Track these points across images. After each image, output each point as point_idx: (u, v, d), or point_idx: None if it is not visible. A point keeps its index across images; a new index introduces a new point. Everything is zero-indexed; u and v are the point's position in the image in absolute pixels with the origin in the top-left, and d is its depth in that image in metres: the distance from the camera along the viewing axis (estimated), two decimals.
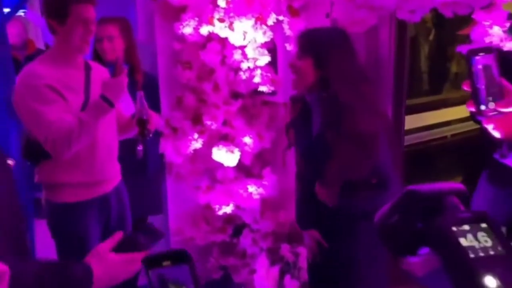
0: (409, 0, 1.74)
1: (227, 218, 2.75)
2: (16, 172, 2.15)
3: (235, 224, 2.76)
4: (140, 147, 2.04)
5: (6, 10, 2.66)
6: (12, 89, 1.86)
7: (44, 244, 2.16)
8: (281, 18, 2.26)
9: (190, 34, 2.47)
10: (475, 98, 0.86)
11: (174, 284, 0.67)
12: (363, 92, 1.70)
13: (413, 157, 3.23)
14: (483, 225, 0.56)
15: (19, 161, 2.24)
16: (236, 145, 2.55)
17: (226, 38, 2.42)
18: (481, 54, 0.84)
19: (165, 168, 2.73)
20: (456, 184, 0.65)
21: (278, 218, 2.68)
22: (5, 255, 0.96)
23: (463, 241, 0.54)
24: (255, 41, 2.35)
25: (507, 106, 0.84)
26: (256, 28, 2.29)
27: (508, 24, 1.50)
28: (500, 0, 1.49)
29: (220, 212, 2.65)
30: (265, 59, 2.39)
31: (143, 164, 2.46)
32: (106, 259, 1.02)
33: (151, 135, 1.99)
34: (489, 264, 0.52)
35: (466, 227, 0.55)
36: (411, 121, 3.26)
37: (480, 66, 0.85)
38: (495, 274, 0.51)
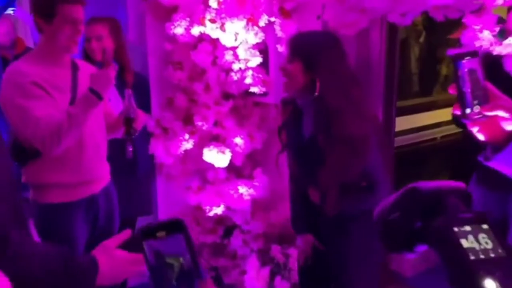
0: (401, 3, 1.75)
1: (218, 219, 2.74)
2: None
3: (225, 225, 2.76)
4: (129, 147, 2.03)
5: None
6: None
7: None
8: (272, 19, 2.26)
9: (181, 35, 2.46)
10: (460, 101, 0.87)
11: (170, 256, 0.66)
12: (352, 96, 1.70)
13: (404, 159, 3.25)
14: (484, 226, 0.56)
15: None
16: (227, 146, 2.55)
17: (217, 39, 2.41)
18: (466, 58, 0.85)
19: (155, 169, 2.72)
20: (457, 183, 0.65)
21: (269, 219, 2.68)
22: (9, 223, 0.98)
23: (464, 243, 0.54)
24: (247, 42, 2.35)
25: (491, 109, 0.86)
26: (248, 29, 2.28)
27: (497, 28, 1.51)
28: (490, 4, 1.50)
29: (211, 213, 2.65)
30: (256, 60, 2.39)
31: (133, 165, 2.44)
32: (112, 255, 1.01)
33: (137, 134, 1.98)
34: (489, 267, 0.52)
35: (467, 228, 0.55)
36: (402, 123, 3.28)
37: (466, 70, 0.85)
38: (495, 277, 0.51)
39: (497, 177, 0.94)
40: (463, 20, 1.59)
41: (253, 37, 2.30)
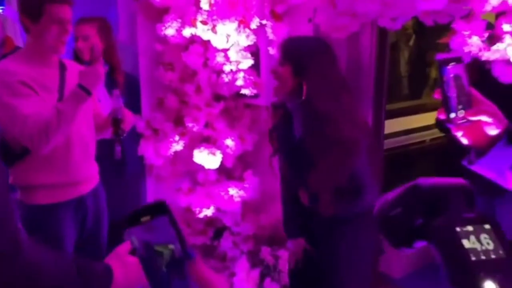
0: (391, 8, 1.76)
1: (208, 220, 2.74)
2: None
3: (215, 227, 2.76)
4: (118, 148, 2.02)
5: None
6: None
7: None
8: (264, 22, 2.26)
9: (172, 36, 2.46)
10: (445, 106, 0.88)
11: (159, 245, 0.66)
12: (341, 101, 1.72)
13: (393, 161, 3.28)
14: (487, 226, 0.56)
15: None
16: (218, 148, 2.54)
17: (208, 41, 2.41)
18: (451, 64, 0.87)
19: (144, 170, 2.71)
20: (460, 181, 0.66)
21: (259, 221, 2.69)
22: (18, 232, 0.94)
23: (466, 243, 0.54)
24: (238, 44, 2.35)
25: (475, 114, 0.87)
26: (239, 31, 2.29)
27: (486, 34, 1.53)
28: (479, 10, 1.52)
29: (201, 215, 2.64)
30: (248, 62, 2.39)
31: (121, 165, 2.43)
32: (125, 262, 0.98)
33: (125, 135, 1.98)
34: (490, 269, 0.52)
35: (469, 228, 0.55)
36: (391, 126, 3.30)
37: (451, 76, 0.87)
38: (495, 279, 0.51)
39: (482, 181, 0.95)
40: (453, 26, 1.61)
41: (245, 39, 2.30)
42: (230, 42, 2.35)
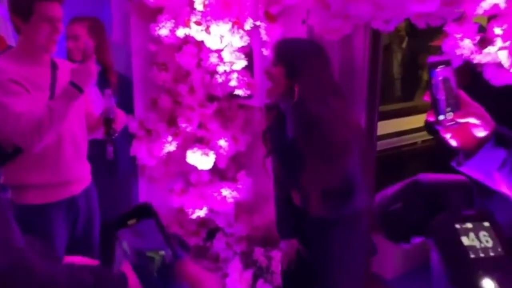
0: (384, 10, 1.77)
1: (201, 221, 2.73)
2: None
3: (208, 228, 2.75)
4: (110, 148, 2.02)
5: None
6: None
7: None
8: (258, 23, 2.27)
9: (166, 36, 2.45)
10: (434, 108, 0.90)
11: (151, 251, 0.66)
12: (332, 104, 1.73)
13: (385, 162, 3.29)
14: (486, 224, 0.57)
15: None
16: (211, 148, 2.54)
17: (202, 41, 2.41)
18: (440, 67, 0.89)
19: (136, 170, 2.70)
20: (460, 177, 0.66)
21: (253, 222, 2.69)
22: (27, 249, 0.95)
23: (465, 240, 0.55)
24: (232, 45, 2.35)
25: (464, 116, 0.89)
26: (233, 32, 2.29)
27: (478, 37, 1.55)
28: (471, 13, 1.53)
29: (194, 216, 2.64)
30: (241, 63, 2.39)
31: (113, 166, 2.42)
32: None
33: (117, 135, 1.97)
34: (488, 266, 0.52)
35: (469, 225, 0.56)
36: (384, 127, 3.32)
37: (440, 78, 0.89)
38: (493, 277, 0.51)
39: (472, 179, 0.96)
40: (445, 28, 1.62)
41: (238, 40, 2.30)
42: (223, 43, 2.35)
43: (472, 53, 1.54)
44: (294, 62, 1.75)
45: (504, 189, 0.91)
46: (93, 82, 1.83)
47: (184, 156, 2.55)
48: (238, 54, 2.37)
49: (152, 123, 2.62)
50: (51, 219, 1.87)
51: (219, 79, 2.46)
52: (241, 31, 2.29)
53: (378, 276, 3.08)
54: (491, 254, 0.54)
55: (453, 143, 0.92)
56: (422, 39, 3.75)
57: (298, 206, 1.89)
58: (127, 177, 2.66)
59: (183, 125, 2.54)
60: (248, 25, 2.27)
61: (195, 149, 2.52)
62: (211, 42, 2.36)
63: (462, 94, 0.91)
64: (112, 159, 2.12)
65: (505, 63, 1.45)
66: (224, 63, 2.42)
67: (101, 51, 2.33)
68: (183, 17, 2.38)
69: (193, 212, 2.64)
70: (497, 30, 1.49)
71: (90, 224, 2.02)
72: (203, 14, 2.32)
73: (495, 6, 1.47)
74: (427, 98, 0.91)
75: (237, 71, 2.42)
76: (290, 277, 2.08)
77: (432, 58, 0.91)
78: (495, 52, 1.49)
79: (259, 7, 2.23)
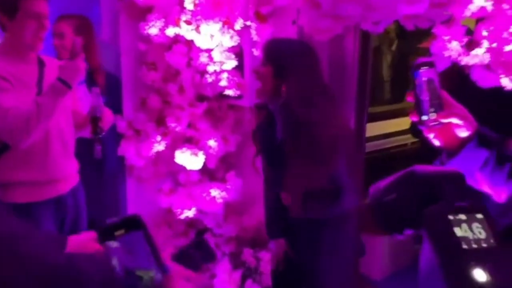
0: (373, 11, 1.78)
1: (189, 222, 2.72)
2: None
3: (197, 228, 2.74)
4: (98, 147, 2.00)
5: None
6: None
7: None
8: (248, 23, 2.26)
9: (155, 35, 2.44)
10: (418, 109, 0.91)
11: (141, 271, 0.65)
12: (320, 105, 1.73)
13: (374, 164, 3.31)
14: (479, 215, 0.56)
15: None
16: (201, 148, 2.53)
17: (192, 41, 2.40)
18: (424, 68, 0.90)
19: (123, 169, 2.68)
20: (455, 170, 0.66)
21: (242, 223, 2.68)
22: None
23: (457, 231, 0.54)
24: (222, 44, 2.35)
25: (446, 117, 0.90)
26: (223, 32, 2.28)
27: (466, 39, 1.56)
28: (458, 15, 1.55)
29: (182, 216, 2.63)
30: (231, 63, 2.39)
31: (101, 165, 2.41)
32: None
33: (104, 133, 1.96)
34: (480, 257, 0.52)
35: (462, 216, 0.56)
36: (373, 129, 3.33)
37: (423, 79, 0.90)
38: (485, 268, 0.51)
39: None
40: (433, 30, 1.63)
41: (229, 40, 2.30)
42: (214, 42, 2.34)
43: (459, 55, 1.55)
44: (282, 61, 1.75)
45: (485, 188, 0.92)
46: (81, 79, 1.82)
47: (173, 156, 2.53)
48: (228, 54, 2.37)
49: (141, 123, 2.60)
50: (38, 218, 1.85)
51: (209, 79, 2.45)
52: (231, 31, 2.28)
53: (366, 277, 3.09)
54: (484, 245, 0.54)
55: (436, 143, 0.94)
56: (412, 41, 3.78)
57: (287, 206, 1.89)
58: (115, 177, 2.64)
59: (172, 125, 2.53)
60: (238, 25, 2.27)
61: (184, 149, 2.51)
62: (201, 41, 2.35)
63: (445, 95, 0.92)
64: (100, 158, 2.11)
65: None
66: (214, 62, 2.42)
67: (89, 49, 2.32)
68: (173, 16, 2.37)
69: (181, 213, 2.62)
70: (484, 33, 1.50)
71: (77, 225, 2.00)
72: (193, 13, 2.31)
73: (483, 8, 1.49)
74: (410, 99, 0.93)
75: (227, 71, 2.41)
76: (279, 278, 2.08)
77: (421, 60, 0.92)
78: (482, 54, 1.50)
79: (249, 7, 2.23)
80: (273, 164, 1.94)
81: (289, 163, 1.78)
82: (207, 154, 2.54)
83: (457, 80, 1.72)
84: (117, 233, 0.66)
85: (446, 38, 1.56)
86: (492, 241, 0.54)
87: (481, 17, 1.56)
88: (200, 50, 2.42)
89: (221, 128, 2.62)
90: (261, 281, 2.45)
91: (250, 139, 2.07)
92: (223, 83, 2.42)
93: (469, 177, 0.89)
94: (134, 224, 0.67)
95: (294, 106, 1.72)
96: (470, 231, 0.55)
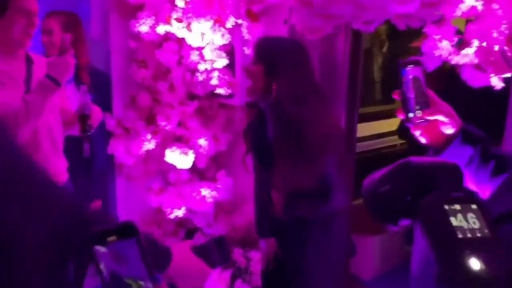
0: (364, 11, 1.78)
1: (179, 221, 2.70)
2: None
3: (187, 228, 2.72)
4: (87, 145, 1.98)
5: None
6: None
7: None
8: (239, 21, 2.25)
9: (146, 33, 2.42)
10: (404, 106, 0.94)
11: (129, 279, 0.63)
12: (310, 105, 1.73)
13: (364, 164, 3.32)
14: (474, 206, 0.57)
15: None
16: (191, 147, 2.51)
17: (183, 39, 2.39)
18: (410, 66, 0.92)
19: (112, 168, 2.66)
20: (451, 162, 0.67)
21: (232, 222, 2.67)
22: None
23: (453, 220, 0.55)
24: (213, 43, 2.34)
25: (432, 114, 0.93)
26: (215, 30, 2.27)
27: (456, 39, 1.57)
28: (449, 15, 1.55)
29: (172, 216, 2.61)
30: (222, 62, 2.38)
31: (90, 163, 2.38)
32: (185, 255, 1.01)
33: (92, 131, 1.94)
34: (475, 246, 0.53)
35: (457, 206, 0.56)
36: (364, 129, 3.34)
37: (410, 77, 0.93)
38: (480, 257, 0.52)
39: None
40: (424, 30, 1.64)
41: (220, 38, 2.29)
42: (205, 40, 2.33)
43: (450, 54, 1.56)
44: (273, 60, 1.74)
45: (470, 185, 0.94)
46: (70, 75, 1.80)
47: (163, 155, 2.51)
48: (219, 52, 2.36)
49: (131, 121, 2.57)
50: None
51: (200, 77, 2.43)
52: (222, 29, 2.27)
53: (357, 277, 3.10)
54: (478, 235, 0.54)
55: (423, 140, 0.97)
56: (403, 43, 3.79)
57: (276, 205, 1.88)
58: (104, 175, 2.61)
59: (163, 123, 2.51)
60: (229, 23, 2.26)
61: (174, 148, 2.49)
62: (192, 39, 2.33)
63: (431, 93, 0.94)
64: (88, 156, 2.08)
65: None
66: (205, 61, 2.40)
67: (78, 46, 2.29)
68: (164, 14, 2.36)
69: (171, 212, 2.60)
70: (475, 32, 1.51)
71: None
72: (184, 11, 2.30)
73: (473, 8, 1.49)
74: (396, 97, 0.95)
75: (218, 70, 2.40)
76: (268, 277, 2.07)
77: (412, 58, 0.95)
78: (473, 54, 1.51)
79: (241, 5, 2.22)
80: (263, 163, 1.94)
81: (279, 162, 1.77)
82: (197, 153, 2.52)
83: (447, 81, 1.73)
84: (110, 239, 0.64)
85: (437, 37, 1.56)
86: (486, 231, 0.55)
87: (471, 17, 1.57)
88: (191, 48, 2.41)
89: (211, 127, 2.60)
90: (251, 281, 2.44)
91: (241, 138, 2.06)
92: (214, 81, 2.41)
93: None
94: (127, 231, 0.65)
95: (285, 105, 1.72)
96: (465, 221, 0.55)
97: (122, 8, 2.52)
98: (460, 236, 0.53)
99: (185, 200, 2.60)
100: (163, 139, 2.55)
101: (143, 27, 2.40)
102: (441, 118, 0.93)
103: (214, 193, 2.57)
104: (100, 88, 2.43)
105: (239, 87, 2.42)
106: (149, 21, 2.39)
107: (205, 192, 2.56)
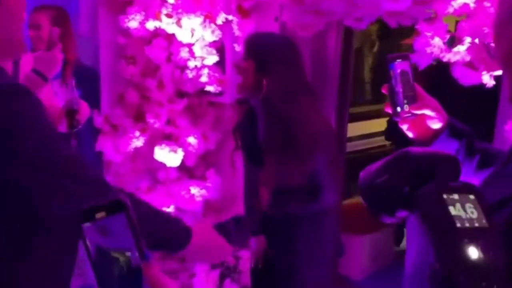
0: (356, 7, 1.78)
1: None
2: None
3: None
4: (74, 141, 1.95)
5: None
6: None
7: None
8: (230, 17, 2.23)
9: (135, 29, 2.39)
10: (392, 100, 0.95)
11: (116, 251, 0.61)
12: (301, 102, 1.72)
13: (353, 164, 3.32)
14: (471, 196, 0.57)
15: None
16: (180, 145, 2.48)
17: (173, 35, 2.36)
18: (398, 60, 0.94)
19: (102, 165, 2.62)
20: (448, 153, 0.67)
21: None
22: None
23: (451, 210, 0.55)
24: (203, 39, 2.31)
25: (419, 108, 0.95)
26: (205, 26, 2.25)
27: (448, 36, 1.57)
28: (441, 12, 1.55)
29: None
30: (213, 59, 2.35)
31: None
32: (207, 231, 1.07)
33: (80, 126, 1.91)
34: (473, 236, 0.53)
35: (455, 196, 0.57)
36: (353, 129, 3.34)
37: (398, 71, 0.93)
38: (478, 246, 0.52)
39: None
40: (416, 27, 1.64)
41: (210, 34, 2.26)
42: (195, 37, 2.30)
43: (442, 51, 1.55)
44: (264, 56, 1.73)
45: None
46: (57, 70, 1.77)
47: (151, 153, 2.48)
48: (209, 49, 2.33)
49: (119, 118, 2.54)
50: None
51: (190, 75, 2.41)
52: (213, 25, 2.25)
53: (346, 278, 3.09)
54: (476, 224, 0.55)
55: (410, 134, 0.98)
56: (393, 43, 3.81)
57: (265, 202, 1.87)
58: None
59: (151, 120, 2.47)
60: (220, 19, 2.23)
61: (163, 145, 2.46)
62: (182, 35, 2.31)
63: (418, 88, 0.95)
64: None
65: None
66: (195, 58, 2.38)
67: (65, 40, 2.26)
68: (154, 9, 2.33)
69: None
70: (467, 30, 1.50)
71: None
72: (174, 6, 2.27)
73: (465, 5, 1.49)
74: (385, 91, 0.96)
75: (208, 67, 2.37)
76: (258, 276, 2.05)
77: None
78: (464, 51, 1.51)
79: (231, 1, 2.20)
80: (253, 160, 1.92)
81: (269, 159, 1.76)
82: (186, 151, 2.49)
83: (438, 77, 1.73)
84: (98, 215, 0.62)
85: (429, 34, 1.56)
86: (484, 221, 0.55)
87: (461, 15, 1.57)
88: (180, 44, 2.38)
89: (201, 125, 2.58)
90: (239, 280, 2.42)
91: (231, 137, 2.04)
92: (204, 79, 2.38)
93: None
94: (117, 207, 0.63)
95: (276, 102, 1.71)
96: (463, 210, 0.55)
97: (111, 3, 2.49)
98: (458, 225, 0.54)
99: (174, 198, 2.56)
100: (152, 136, 2.52)
101: (133, 23, 2.37)
102: (428, 112, 0.94)
103: (203, 191, 2.55)
104: (88, 84, 2.40)
105: (229, 84, 2.39)
106: (139, 17, 2.36)
107: (194, 190, 2.53)
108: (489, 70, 1.45)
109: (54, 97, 2.04)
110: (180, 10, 2.24)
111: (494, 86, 1.51)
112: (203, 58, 2.36)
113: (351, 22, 1.85)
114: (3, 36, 0.97)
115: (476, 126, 1.07)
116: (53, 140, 0.90)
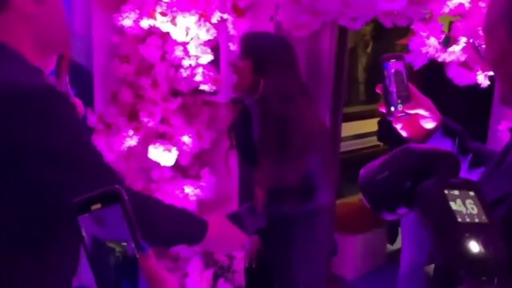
0: (351, 7, 1.78)
1: None
2: None
3: None
4: None
5: None
6: None
7: None
8: (225, 16, 2.23)
9: (129, 27, 2.38)
10: (386, 100, 0.96)
11: (111, 241, 0.60)
12: (297, 102, 1.72)
13: (347, 163, 3.33)
14: (471, 193, 0.58)
15: None
16: (174, 144, 2.47)
17: (167, 33, 2.35)
18: (393, 60, 0.95)
19: None
20: (448, 150, 0.68)
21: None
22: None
23: (452, 205, 0.56)
24: (198, 38, 2.30)
25: (413, 108, 0.96)
26: (200, 25, 2.24)
27: (443, 36, 1.57)
28: (437, 12, 1.55)
29: None
30: (207, 57, 2.34)
31: None
32: (222, 223, 1.11)
33: None
34: (474, 231, 0.54)
35: (456, 192, 0.57)
36: (347, 129, 3.35)
37: (392, 71, 0.94)
38: (479, 241, 0.53)
39: None
40: (412, 27, 1.64)
41: (205, 33, 2.25)
42: (189, 35, 2.29)
43: (437, 51, 1.56)
44: (262, 56, 1.73)
45: None
46: (52, 67, 1.75)
47: (145, 152, 2.47)
48: (204, 48, 2.33)
49: (112, 117, 2.52)
50: None
51: (184, 73, 2.40)
52: (207, 24, 2.24)
53: (339, 277, 3.10)
54: (476, 220, 0.55)
55: (404, 134, 0.99)
56: (387, 43, 3.82)
57: (259, 202, 1.87)
58: None
59: (145, 119, 2.46)
60: (215, 18, 2.23)
61: (157, 144, 2.45)
62: (177, 34, 2.30)
63: (412, 87, 0.96)
64: None
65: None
66: (189, 56, 2.37)
67: None
68: (148, 8, 2.31)
69: None
70: (462, 30, 1.51)
71: None
72: (169, 5, 2.26)
73: (460, 5, 1.50)
74: (379, 90, 0.97)
75: (203, 66, 2.37)
76: (252, 276, 2.05)
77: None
78: (459, 51, 1.52)
79: (227, 0, 2.20)
80: (248, 160, 1.92)
81: (263, 159, 1.75)
82: (180, 150, 2.48)
83: (433, 76, 1.73)
84: (94, 207, 0.61)
85: (424, 34, 1.56)
86: (484, 217, 0.56)
87: (456, 16, 1.58)
88: (175, 43, 2.37)
89: (195, 124, 2.57)
90: (233, 279, 2.41)
91: (225, 136, 2.03)
92: (198, 78, 2.37)
93: None
94: (113, 198, 0.62)
95: (271, 102, 1.71)
96: (464, 206, 0.56)
97: (105, 1, 2.47)
98: (459, 220, 0.54)
99: (168, 197, 2.55)
100: (146, 135, 2.51)
101: (127, 21, 2.35)
102: (421, 112, 0.95)
103: (197, 191, 2.54)
104: (81, 82, 2.37)
105: (224, 83, 2.39)
106: (133, 15, 2.35)
107: (188, 190, 2.52)
108: (484, 70, 1.46)
109: None
110: (174, 9, 2.23)
111: (489, 86, 1.51)
112: (197, 57, 2.35)
113: (346, 22, 1.86)
114: (54, 31, 0.98)
115: (470, 126, 1.08)
116: (83, 142, 0.93)
